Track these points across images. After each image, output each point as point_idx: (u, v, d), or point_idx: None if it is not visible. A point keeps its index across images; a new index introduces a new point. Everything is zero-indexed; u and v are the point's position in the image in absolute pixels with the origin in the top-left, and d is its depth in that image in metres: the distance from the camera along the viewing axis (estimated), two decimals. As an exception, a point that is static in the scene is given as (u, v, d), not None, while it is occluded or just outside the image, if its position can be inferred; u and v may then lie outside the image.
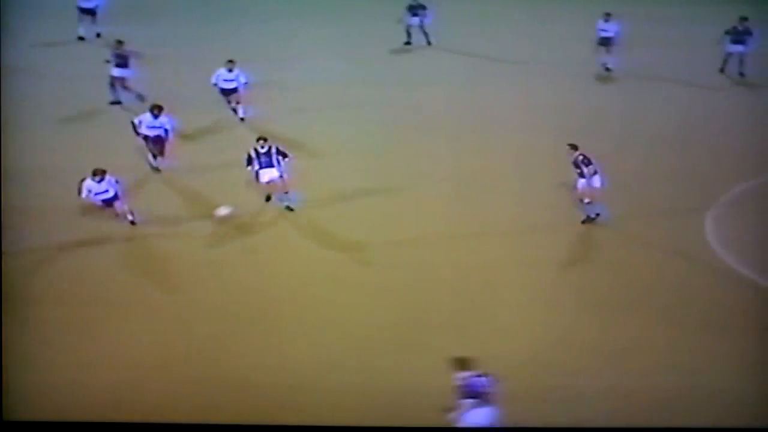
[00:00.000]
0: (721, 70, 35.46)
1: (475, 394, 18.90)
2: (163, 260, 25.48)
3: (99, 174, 24.68)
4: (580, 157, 26.07)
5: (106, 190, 24.86)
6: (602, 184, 26.13)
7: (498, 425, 19.06)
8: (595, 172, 26.09)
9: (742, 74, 35.29)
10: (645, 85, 35.10)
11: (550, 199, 27.57)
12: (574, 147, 26.21)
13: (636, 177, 28.66)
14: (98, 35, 37.48)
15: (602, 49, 35.69)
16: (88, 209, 25.71)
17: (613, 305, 23.77)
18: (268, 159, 26.20)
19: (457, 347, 20.49)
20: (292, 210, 26.71)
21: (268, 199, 26.74)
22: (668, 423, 19.10)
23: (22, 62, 33.61)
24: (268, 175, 26.26)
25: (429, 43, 38.00)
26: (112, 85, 32.27)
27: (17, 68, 31.96)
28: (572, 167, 26.19)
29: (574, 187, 26.37)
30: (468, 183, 28.52)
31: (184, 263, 25.35)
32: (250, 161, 26.17)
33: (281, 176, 26.29)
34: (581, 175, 26.10)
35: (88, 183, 24.71)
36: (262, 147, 26.20)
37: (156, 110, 27.87)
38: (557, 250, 26.26)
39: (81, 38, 37.70)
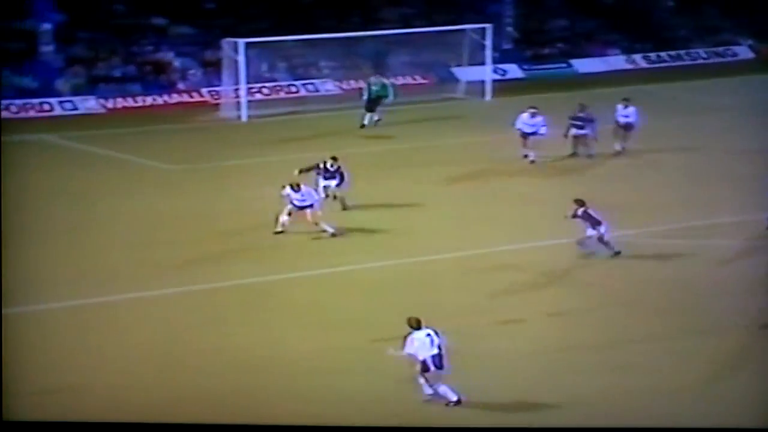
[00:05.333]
0: None
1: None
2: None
3: (296, 186, 28.32)
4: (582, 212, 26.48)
5: (304, 199, 28.16)
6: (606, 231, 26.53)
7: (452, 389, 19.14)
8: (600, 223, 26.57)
9: None
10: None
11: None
12: (581, 203, 26.61)
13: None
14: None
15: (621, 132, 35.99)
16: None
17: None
18: (332, 173, 30.13)
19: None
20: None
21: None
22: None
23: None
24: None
25: None
26: None
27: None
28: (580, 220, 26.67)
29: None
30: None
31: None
32: (318, 169, 30.09)
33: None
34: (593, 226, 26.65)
35: (288, 190, 28.23)
36: (332, 166, 30.06)
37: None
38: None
39: None
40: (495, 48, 47.16)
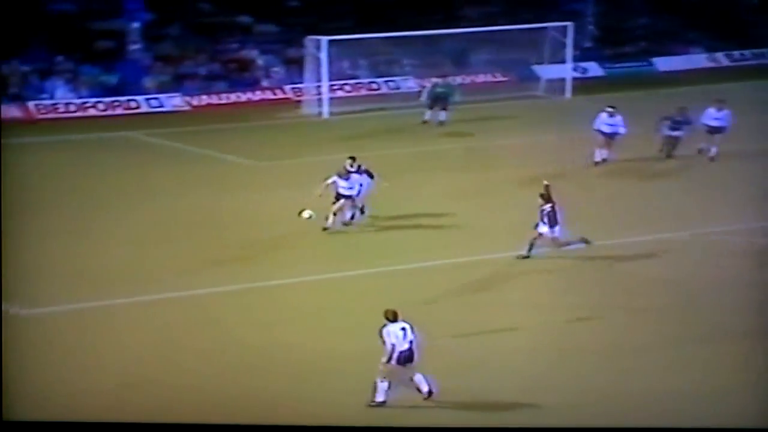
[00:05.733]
0: None
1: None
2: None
3: (344, 174, 28.44)
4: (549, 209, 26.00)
5: (351, 187, 28.32)
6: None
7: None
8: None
9: None
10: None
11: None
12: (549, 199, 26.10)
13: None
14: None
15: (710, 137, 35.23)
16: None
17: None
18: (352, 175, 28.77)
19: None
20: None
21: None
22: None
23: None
24: (345, 188, 28.52)
25: None
26: None
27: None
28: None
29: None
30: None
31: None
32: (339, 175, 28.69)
33: (358, 193, 28.68)
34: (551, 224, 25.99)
35: (336, 177, 28.27)
36: (351, 165, 28.71)
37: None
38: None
39: None
40: (576, 46, 47.40)
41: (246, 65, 47.73)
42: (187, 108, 44.77)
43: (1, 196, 25.22)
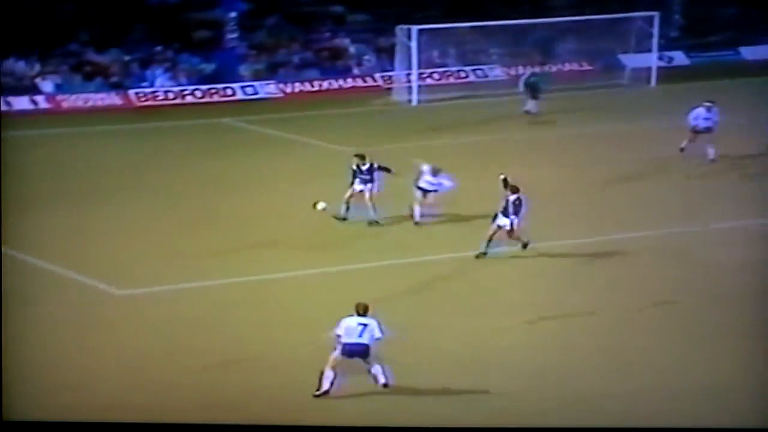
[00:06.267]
0: None
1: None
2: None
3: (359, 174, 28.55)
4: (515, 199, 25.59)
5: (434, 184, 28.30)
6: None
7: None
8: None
9: None
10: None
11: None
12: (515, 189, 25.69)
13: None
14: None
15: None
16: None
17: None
18: (368, 175, 28.74)
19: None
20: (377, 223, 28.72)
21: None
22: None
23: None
24: (360, 187, 28.69)
25: None
26: None
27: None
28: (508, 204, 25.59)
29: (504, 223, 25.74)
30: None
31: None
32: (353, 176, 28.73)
33: (371, 189, 28.72)
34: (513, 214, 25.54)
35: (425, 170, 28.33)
36: (363, 164, 28.77)
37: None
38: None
39: None
40: (662, 35, 47.80)
41: (338, 53, 48.77)
42: (280, 95, 45.94)
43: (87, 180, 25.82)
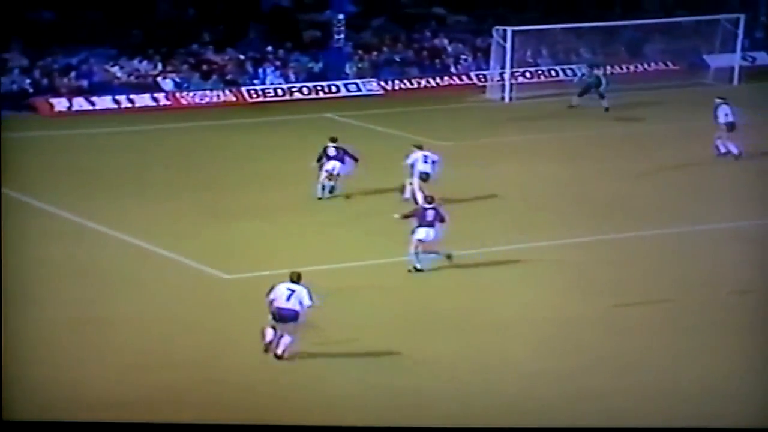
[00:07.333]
0: None
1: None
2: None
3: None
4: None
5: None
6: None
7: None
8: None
9: None
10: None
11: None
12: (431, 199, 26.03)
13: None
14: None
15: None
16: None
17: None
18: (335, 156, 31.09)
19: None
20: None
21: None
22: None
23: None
24: (331, 166, 30.98)
25: None
26: None
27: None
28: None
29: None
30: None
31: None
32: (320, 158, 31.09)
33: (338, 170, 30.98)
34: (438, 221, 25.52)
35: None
36: (335, 148, 31.11)
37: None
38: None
39: None
40: (746, 36, 49.42)
41: (437, 53, 50.89)
42: (381, 92, 48.12)
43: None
